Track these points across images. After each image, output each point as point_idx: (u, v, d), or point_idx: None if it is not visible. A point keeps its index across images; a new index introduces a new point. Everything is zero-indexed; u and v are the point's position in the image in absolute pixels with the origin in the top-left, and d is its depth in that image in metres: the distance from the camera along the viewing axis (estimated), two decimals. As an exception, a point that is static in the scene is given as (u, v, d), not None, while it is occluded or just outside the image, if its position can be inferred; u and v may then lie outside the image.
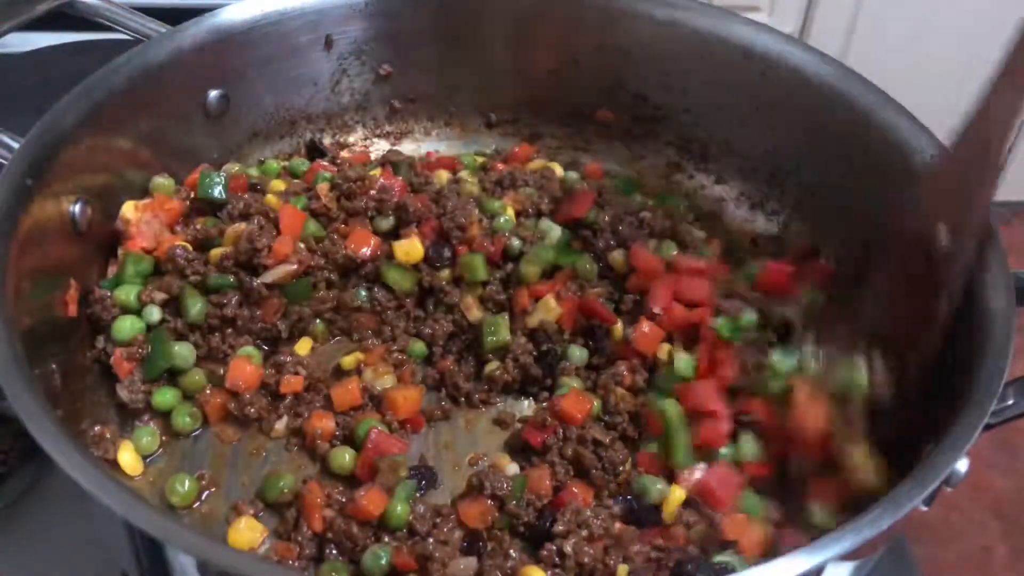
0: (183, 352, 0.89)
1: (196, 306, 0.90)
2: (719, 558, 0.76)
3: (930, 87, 1.82)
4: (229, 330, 0.92)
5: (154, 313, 0.91)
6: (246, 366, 0.88)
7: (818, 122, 1.02)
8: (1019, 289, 0.79)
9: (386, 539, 0.79)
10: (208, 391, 0.90)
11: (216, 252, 0.93)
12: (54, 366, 0.81)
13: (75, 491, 0.63)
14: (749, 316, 0.93)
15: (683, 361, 0.90)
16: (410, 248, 0.96)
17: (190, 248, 0.93)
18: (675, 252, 1.01)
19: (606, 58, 1.11)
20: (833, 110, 1.00)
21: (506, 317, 0.95)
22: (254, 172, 1.05)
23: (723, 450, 0.85)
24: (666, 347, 0.92)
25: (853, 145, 0.99)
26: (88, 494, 0.62)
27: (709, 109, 1.10)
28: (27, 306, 0.78)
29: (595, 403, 0.89)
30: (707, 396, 0.86)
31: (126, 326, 0.89)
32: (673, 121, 1.13)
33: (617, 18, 1.08)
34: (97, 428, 0.84)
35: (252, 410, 0.87)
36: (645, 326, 0.92)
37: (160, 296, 0.91)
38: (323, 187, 0.99)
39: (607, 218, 1.02)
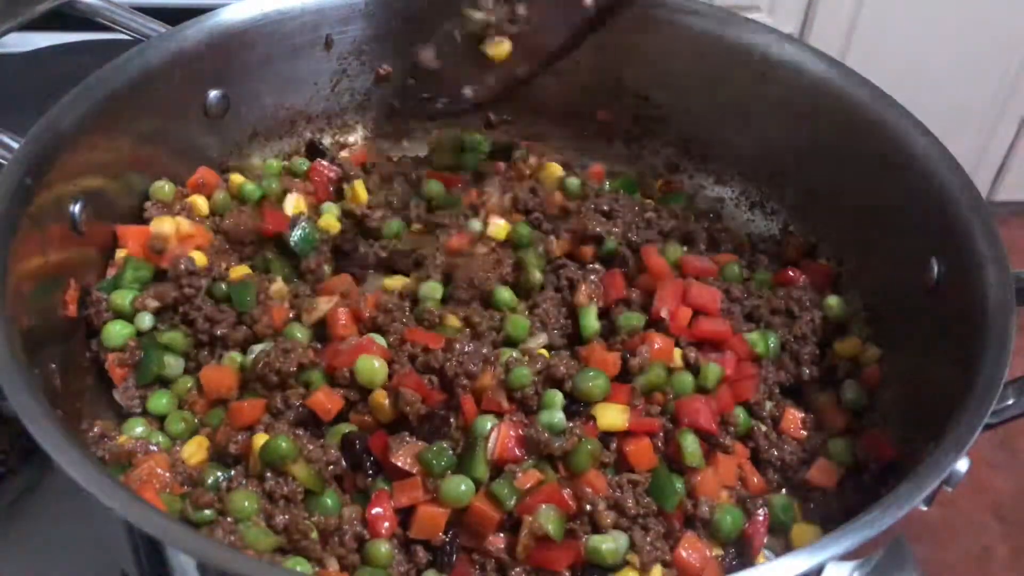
0: (171, 362, 0.89)
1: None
2: None
3: (930, 87, 1.82)
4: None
5: (146, 320, 0.90)
6: (215, 373, 0.87)
7: (818, 122, 1.02)
8: (1019, 289, 0.79)
9: None
10: (194, 392, 0.89)
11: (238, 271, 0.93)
12: (54, 366, 0.81)
13: (75, 491, 0.62)
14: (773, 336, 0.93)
15: (712, 371, 0.88)
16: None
17: (196, 261, 0.93)
18: (682, 251, 1.01)
19: (606, 58, 1.11)
20: (833, 110, 1.00)
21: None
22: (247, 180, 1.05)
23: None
24: (678, 353, 0.91)
25: (853, 145, 0.99)
26: (88, 494, 0.62)
27: (709, 109, 1.10)
28: (27, 306, 0.78)
29: None
30: (707, 413, 0.84)
31: (115, 332, 0.88)
32: (673, 121, 1.13)
33: (617, 18, 1.07)
34: (97, 428, 0.84)
35: (234, 447, 0.83)
36: (658, 341, 0.90)
37: (153, 304, 0.90)
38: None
39: (617, 229, 1.02)
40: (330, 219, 1.02)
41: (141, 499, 0.64)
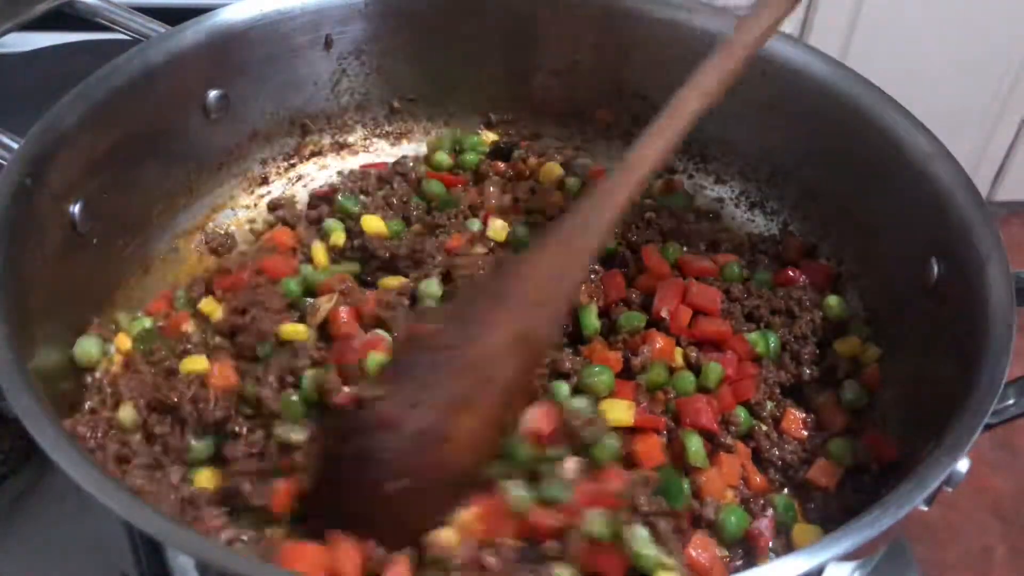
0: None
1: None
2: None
3: (930, 87, 1.82)
4: None
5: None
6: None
7: (818, 122, 1.02)
8: (1019, 289, 0.79)
9: None
10: None
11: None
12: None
13: (75, 492, 0.62)
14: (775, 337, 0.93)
15: (713, 371, 0.88)
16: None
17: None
18: (682, 251, 1.01)
19: (606, 58, 1.11)
20: (833, 110, 0.99)
21: None
22: None
23: None
24: (679, 353, 0.91)
25: (853, 145, 0.99)
26: (87, 495, 0.62)
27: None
28: (27, 306, 0.77)
29: None
30: (708, 413, 0.84)
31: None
32: (673, 121, 1.13)
33: (617, 18, 1.08)
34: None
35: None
36: (659, 340, 0.90)
37: None
38: None
39: (617, 229, 1.02)
40: (339, 236, 1.02)
41: (141, 499, 0.64)
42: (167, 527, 0.62)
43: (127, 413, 0.84)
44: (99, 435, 0.82)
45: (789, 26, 2.02)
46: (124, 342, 0.90)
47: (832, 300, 0.98)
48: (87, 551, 0.85)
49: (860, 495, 0.84)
